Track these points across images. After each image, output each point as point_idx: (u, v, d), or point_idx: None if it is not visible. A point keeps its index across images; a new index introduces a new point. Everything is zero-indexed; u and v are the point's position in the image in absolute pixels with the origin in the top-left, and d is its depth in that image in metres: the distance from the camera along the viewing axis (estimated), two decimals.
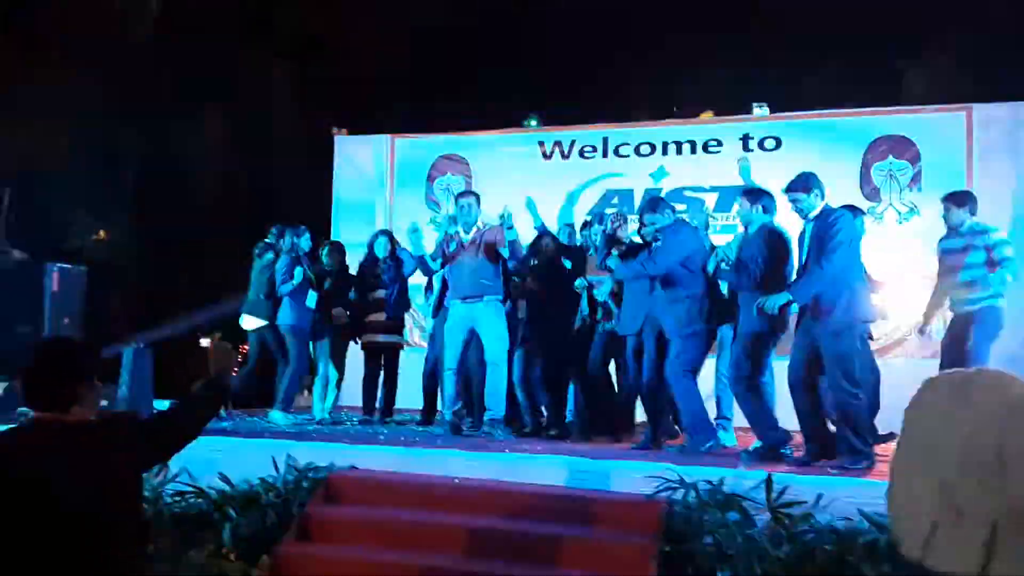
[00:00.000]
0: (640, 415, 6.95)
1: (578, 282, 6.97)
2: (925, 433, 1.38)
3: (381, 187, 10.38)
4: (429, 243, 7.60)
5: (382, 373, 8.14)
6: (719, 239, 7.38)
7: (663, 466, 5.12)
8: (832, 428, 5.69)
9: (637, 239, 6.96)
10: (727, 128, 9.36)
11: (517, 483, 5.43)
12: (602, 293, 6.87)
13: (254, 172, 10.14)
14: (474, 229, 7.12)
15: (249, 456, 5.74)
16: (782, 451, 5.76)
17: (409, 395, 8.25)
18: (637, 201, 9.18)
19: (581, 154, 9.77)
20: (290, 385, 7.79)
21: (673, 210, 6.46)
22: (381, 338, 8.02)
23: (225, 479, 5.49)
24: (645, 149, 9.56)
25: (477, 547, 4.87)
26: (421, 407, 8.07)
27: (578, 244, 7.48)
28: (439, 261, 7.32)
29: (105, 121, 9.57)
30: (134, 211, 10.35)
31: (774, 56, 9.33)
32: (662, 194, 8.75)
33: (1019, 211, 8.31)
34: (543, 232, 7.53)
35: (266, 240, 8.03)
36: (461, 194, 7.48)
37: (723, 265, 6.10)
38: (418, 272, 7.75)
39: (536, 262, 7.29)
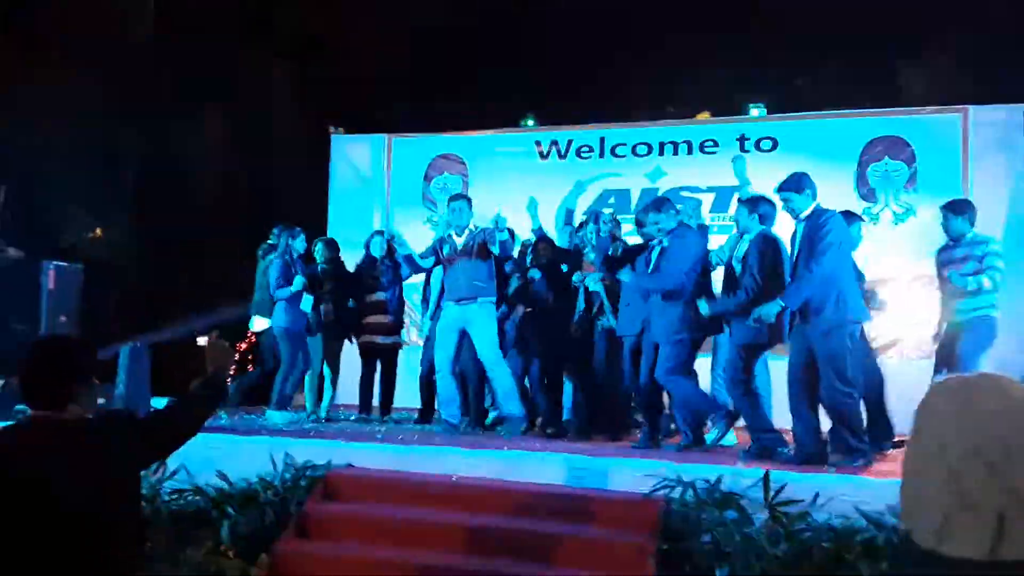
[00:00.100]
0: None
1: (575, 276, 6.98)
2: (934, 432, 1.50)
3: (378, 186, 10.39)
4: (424, 243, 7.62)
5: (379, 374, 8.14)
6: (714, 239, 7.41)
7: (661, 464, 5.14)
8: (825, 434, 5.71)
9: (636, 239, 6.98)
10: (724, 128, 9.38)
11: (515, 481, 5.45)
12: (592, 280, 6.87)
13: (251, 171, 10.12)
14: (466, 232, 7.14)
15: (247, 454, 5.75)
16: (779, 450, 5.78)
17: (406, 394, 8.25)
18: (634, 201, 9.20)
19: (578, 154, 9.78)
20: (283, 385, 7.79)
21: (677, 211, 6.45)
22: (379, 340, 8.02)
23: (223, 477, 5.50)
24: (642, 149, 9.58)
25: (475, 545, 4.89)
26: (419, 406, 8.07)
27: (575, 245, 7.47)
28: (430, 260, 7.34)
29: (103, 120, 9.55)
30: (131, 209, 10.33)
31: (771, 56, 9.34)
32: (659, 194, 8.75)
33: (1015, 212, 8.35)
34: (540, 238, 7.55)
35: (269, 242, 8.03)
36: (453, 197, 7.51)
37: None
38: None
39: (533, 265, 7.29)
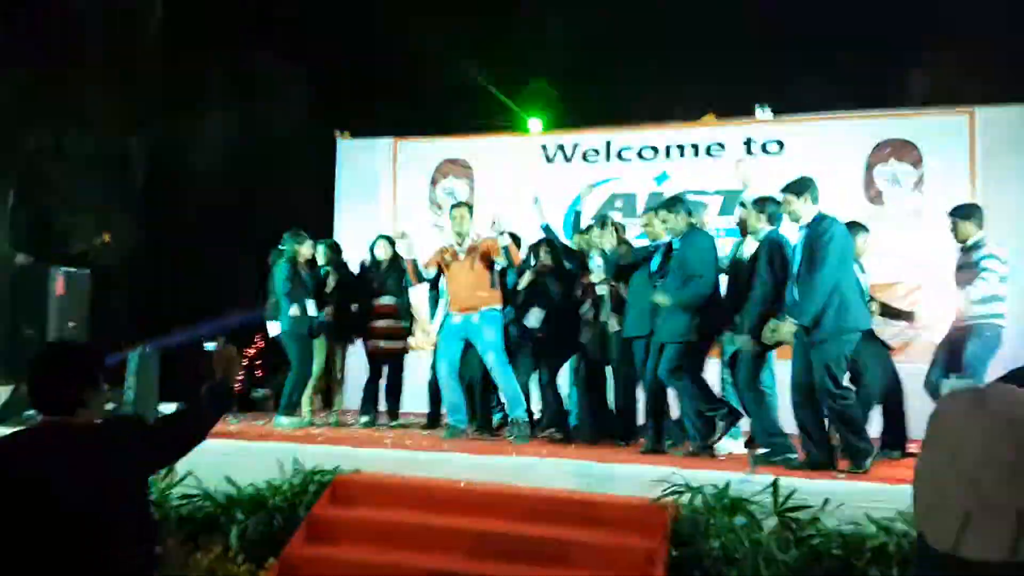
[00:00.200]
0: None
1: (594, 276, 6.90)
2: (949, 438, 1.55)
3: (385, 190, 10.38)
4: (430, 247, 7.61)
5: (385, 378, 8.12)
6: (720, 243, 7.37)
7: (670, 470, 5.12)
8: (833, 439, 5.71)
9: (643, 241, 6.98)
10: (730, 131, 9.35)
11: (523, 487, 5.45)
12: (596, 273, 6.87)
13: (259, 175, 10.14)
14: (468, 240, 7.12)
15: (256, 459, 5.76)
16: (788, 456, 5.76)
17: (414, 398, 8.24)
18: (640, 205, 9.18)
19: (584, 157, 9.76)
20: (292, 390, 7.80)
21: (689, 212, 6.43)
22: (383, 344, 8.00)
23: (232, 482, 5.51)
24: (648, 153, 9.56)
25: (483, 550, 4.89)
26: (427, 411, 8.06)
27: (581, 248, 7.45)
28: (432, 271, 7.32)
29: (111, 125, 9.59)
30: (139, 214, 10.35)
31: (777, 59, 9.35)
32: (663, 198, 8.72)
33: None
34: (540, 240, 7.55)
35: (280, 247, 8.03)
36: (455, 206, 7.47)
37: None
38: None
39: (537, 266, 7.29)
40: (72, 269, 8.61)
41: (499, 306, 7.10)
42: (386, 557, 4.95)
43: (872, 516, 4.52)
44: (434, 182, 10.25)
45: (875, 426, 6.38)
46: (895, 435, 6.27)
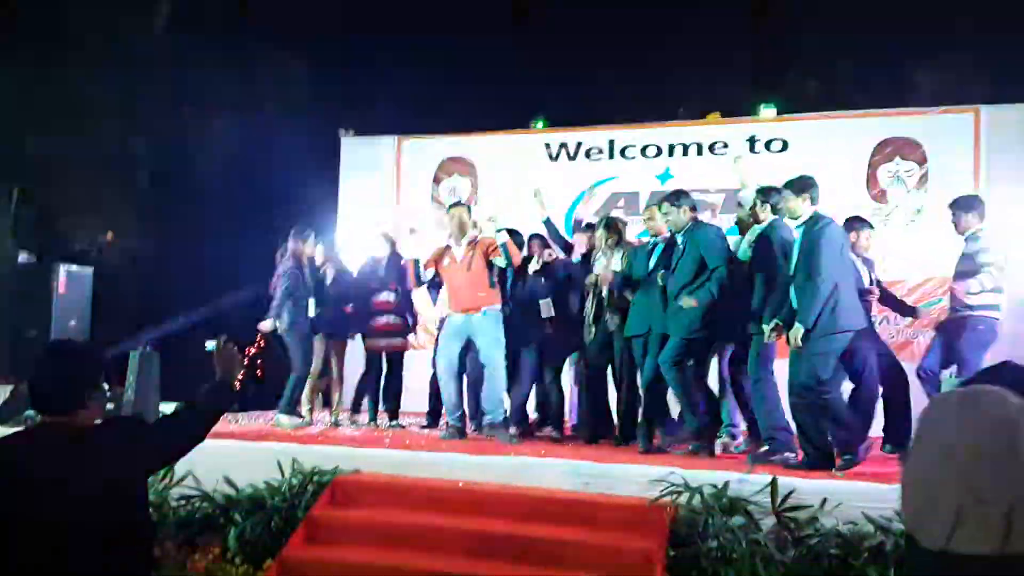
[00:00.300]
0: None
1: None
2: (940, 438, 1.63)
3: (388, 188, 10.37)
4: (433, 245, 7.59)
5: (383, 376, 8.07)
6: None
7: (668, 470, 5.11)
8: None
9: (645, 239, 6.97)
10: (733, 130, 9.33)
11: (523, 487, 5.44)
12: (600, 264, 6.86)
13: (263, 173, 10.13)
14: (467, 239, 7.10)
15: (255, 460, 5.76)
16: (787, 455, 5.75)
17: (413, 398, 8.23)
18: (643, 204, 9.15)
19: (587, 156, 9.75)
20: (293, 389, 7.80)
21: (693, 207, 6.42)
22: (383, 342, 7.99)
23: (231, 483, 5.51)
24: (651, 151, 9.55)
25: (482, 551, 4.89)
26: (426, 410, 8.05)
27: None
28: (431, 271, 7.30)
29: (112, 123, 9.60)
30: (142, 213, 10.35)
31: (781, 57, 9.31)
32: None
33: None
34: (532, 235, 7.54)
35: (284, 245, 8.00)
36: (452, 205, 7.43)
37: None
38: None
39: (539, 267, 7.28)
40: (74, 267, 8.62)
41: (499, 305, 7.06)
42: (385, 558, 4.94)
43: (870, 515, 4.51)
44: (437, 180, 10.24)
45: (875, 428, 6.38)
46: (897, 430, 6.24)
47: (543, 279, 7.24)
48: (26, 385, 3.76)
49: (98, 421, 2.84)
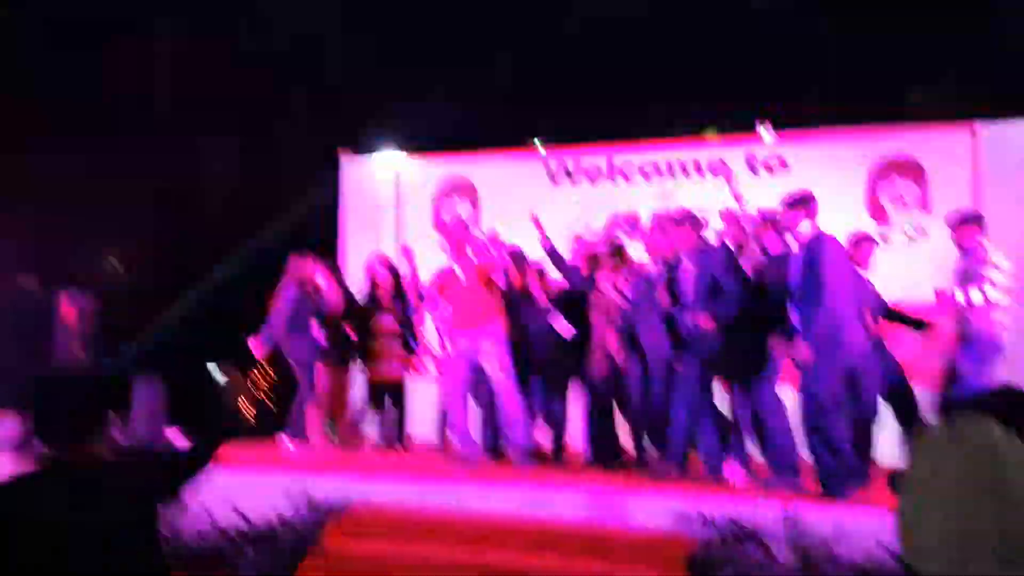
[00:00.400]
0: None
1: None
2: (927, 468, 1.70)
3: (388, 209, 10.35)
4: (433, 264, 7.59)
5: (387, 403, 7.99)
6: None
7: (684, 500, 5.10)
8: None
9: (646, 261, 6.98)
10: (732, 149, 9.32)
11: (535, 518, 5.42)
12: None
13: (261, 193, 10.12)
14: (467, 261, 7.08)
15: (264, 490, 5.74)
16: (796, 480, 5.73)
17: (422, 425, 8.20)
18: (643, 224, 9.13)
19: (587, 175, 9.75)
20: (297, 412, 7.78)
21: (698, 228, 6.43)
22: (386, 369, 7.93)
23: (240, 514, 5.49)
24: (650, 170, 9.55)
25: None
26: (436, 438, 7.98)
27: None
28: (434, 293, 7.29)
29: (114, 143, 9.57)
30: (145, 237, 10.32)
31: (778, 74, 9.32)
32: None
33: None
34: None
35: (285, 269, 7.99)
36: (454, 224, 7.44)
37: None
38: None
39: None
40: (77, 293, 8.56)
41: (502, 326, 7.05)
42: None
43: (884, 543, 4.51)
44: (437, 200, 10.23)
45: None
46: (907, 412, 6.23)
47: (548, 302, 7.24)
48: (31, 416, 3.72)
49: (104, 452, 2.79)
